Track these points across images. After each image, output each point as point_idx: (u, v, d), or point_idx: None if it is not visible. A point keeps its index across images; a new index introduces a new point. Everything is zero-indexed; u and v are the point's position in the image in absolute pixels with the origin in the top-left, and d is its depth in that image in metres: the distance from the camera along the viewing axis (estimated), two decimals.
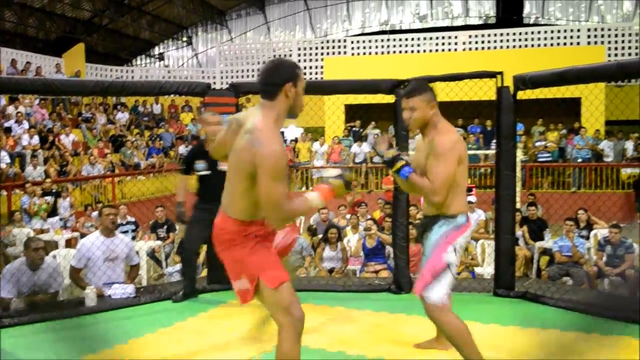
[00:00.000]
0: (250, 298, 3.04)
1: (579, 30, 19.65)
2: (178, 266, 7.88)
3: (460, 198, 3.51)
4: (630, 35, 19.21)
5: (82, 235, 9.51)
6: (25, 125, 14.12)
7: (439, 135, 3.45)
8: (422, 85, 3.55)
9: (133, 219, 9.25)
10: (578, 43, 19.11)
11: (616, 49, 19.07)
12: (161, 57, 27.58)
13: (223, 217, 3.03)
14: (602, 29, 19.65)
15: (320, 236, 8.39)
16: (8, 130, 13.58)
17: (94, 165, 13.66)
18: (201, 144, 5.65)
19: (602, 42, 19.02)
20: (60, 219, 11.09)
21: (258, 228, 2.99)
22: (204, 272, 6.78)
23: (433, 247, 3.45)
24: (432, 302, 3.39)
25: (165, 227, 9.18)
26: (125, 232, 8.46)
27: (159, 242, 8.72)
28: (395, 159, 3.46)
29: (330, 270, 7.58)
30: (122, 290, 5.53)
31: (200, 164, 5.50)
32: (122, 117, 18.33)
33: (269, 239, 3.10)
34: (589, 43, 19.07)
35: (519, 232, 8.19)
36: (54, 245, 9.11)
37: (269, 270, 2.98)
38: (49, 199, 11.25)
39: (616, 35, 19.22)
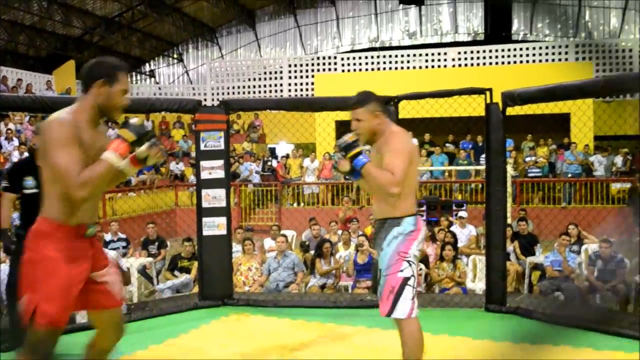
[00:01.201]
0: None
1: (566, 47, 19.84)
2: (169, 282, 7.85)
3: (410, 199, 3.48)
4: (617, 51, 19.43)
5: None
6: (15, 142, 14.08)
7: (392, 135, 3.46)
8: (366, 96, 3.52)
9: (124, 236, 9.21)
10: (566, 59, 19.29)
11: (604, 64, 19.26)
12: (152, 74, 27.59)
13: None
14: (590, 45, 19.86)
15: (312, 252, 8.40)
16: None
17: None
18: (31, 157, 4.79)
19: (590, 58, 19.21)
20: None
21: (65, 235, 2.77)
22: (196, 289, 6.77)
23: (388, 265, 3.42)
24: (400, 317, 3.39)
25: (157, 243, 9.15)
26: (116, 248, 8.42)
27: (150, 259, 8.68)
28: (354, 144, 3.35)
29: (322, 287, 7.57)
30: None
31: (28, 181, 4.65)
32: (113, 133, 18.23)
33: (81, 257, 2.83)
34: (577, 59, 19.26)
35: (510, 248, 8.21)
36: None
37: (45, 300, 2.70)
38: None
39: (603, 51, 19.43)
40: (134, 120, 2.90)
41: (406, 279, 3.38)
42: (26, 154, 13.64)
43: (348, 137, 3.37)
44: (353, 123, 3.49)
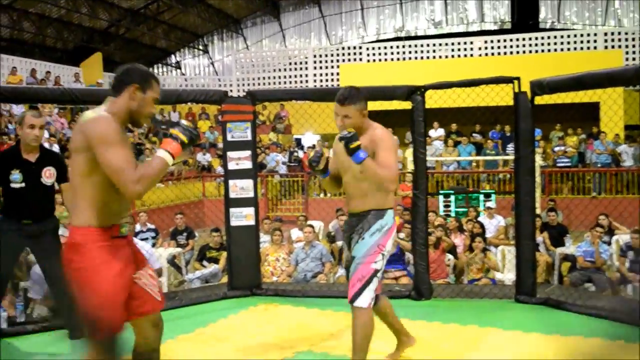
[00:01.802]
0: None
1: (595, 35, 19.50)
2: (198, 273, 7.91)
3: (392, 194, 3.67)
4: None
5: None
6: (46, 134, 14.26)
7: (379, 130, 3.56)
8: (357, 93, 3.52)
9: (153, 226, 9.29)
10: (595, 47, 18.98)
11: (634, 52, 18.90)
12: (178, 65, 27.77)
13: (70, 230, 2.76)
14: (619, 33, 19.49)
15: (339, 242, 8.39)
16: None
17: None
18: (17, 148, 4.58)
19: (620, 47, 18.87)
20: None
21: (103, 238, 2.75)
22: (224, 279, 6.81)
23: (365, 254, 3.52)
24: (361, 306, 3.46)
25: (185, 234, 9.23)
26: (146, 239, 8.51)
27: (179, 249, 8.75)
28: (355, 137, 3.35)
29: None
30: None
31: (15, 175, 4.48)
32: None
33: (123, 256, 2.83)
34: (605, 47, 18.94)
35: (539, 238, 8.13)
36: None
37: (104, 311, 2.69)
38: None
39: (633, 39, 19.03)
40: (184, 121, 2.91)
41: (376, 271, 3.51)
42: (12, 144, 13.82)
43: (347, 131, 3.39)
44: (338, 119, 3.52)
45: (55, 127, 15.43)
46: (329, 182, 3.90)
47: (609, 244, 8.10)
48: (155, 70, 27.57)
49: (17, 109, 14.66)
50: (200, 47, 27.49)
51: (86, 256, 2.70)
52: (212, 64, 27.33)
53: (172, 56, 27.76)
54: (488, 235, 8.73)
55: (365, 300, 3.46)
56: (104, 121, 2.70)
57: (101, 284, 2.67)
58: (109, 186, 2.71)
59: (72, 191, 2.86)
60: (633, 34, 19.20)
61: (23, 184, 4.44)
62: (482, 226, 8.40)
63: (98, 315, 2.66)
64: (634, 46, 18.96)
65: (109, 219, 2.79)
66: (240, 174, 5.97)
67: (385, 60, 20.33)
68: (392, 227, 3.60)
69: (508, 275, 7.42)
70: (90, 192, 2.74)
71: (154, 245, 8.53)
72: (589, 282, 7.29)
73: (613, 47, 18.93)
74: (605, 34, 19.49)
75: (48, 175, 4.52)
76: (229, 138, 6.00)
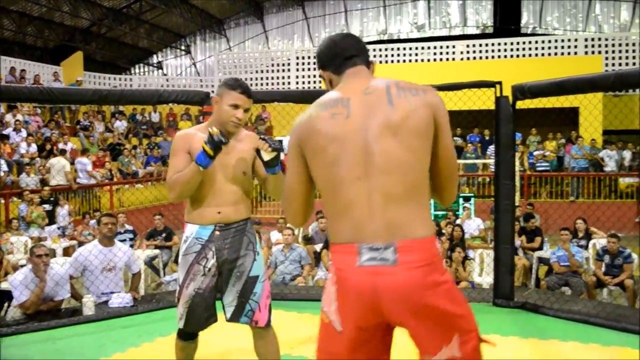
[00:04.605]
0: None
1: (576, 40, 19.69)
2: (176, 275, 7.84)
3: None
4: (627, 45, 19.27)
5: (80, 244, 9.48)
6: (24, 133, 14.11)
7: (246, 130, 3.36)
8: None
9: (131, 228, 9.22)
10: (575, 53, 19.16)
11: (613, 58, 19.11)
12: (159, 65, 27.61)
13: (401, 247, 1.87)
14: (600, 39, 19.70)
15: (318, 245, 8.40)
16: (6, 137, 13.56)
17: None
18: None
19: (600, 52, 19.07)
20: (58, 227, 11.07)
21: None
22: None
23: (264, 271, 3.31)
24: (270, 324, 3.33)
25: (164, 234, 9.16)
26: (123, 240, 8.43)
27: (157, 251, 8.69)
28: (282, 148, 3.19)
29: None
30: (119, 299, 5.50)
31: None
32: (120, 125, 18.33)
33: None
34: (586, 53, 19.13)
35: (517, 242, 8.19)
36: (51, 253, 9.07)
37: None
38: (47, 207, 11.24)
39: (613, 45, 19.26)
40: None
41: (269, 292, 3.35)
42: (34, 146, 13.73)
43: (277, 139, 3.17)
44: (243, 112, 3.17)
45: (33, 127, 15.27)
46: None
47: (586, 247, 8.18)
48: (137, 71, 27.41)
49: None
50: (183, 48, 27.37)
51: None
52: (195, 64, 27.22)
53: (154, 56, 27.60)
54: (466, 236, 8.76)
55: (271, 316, 3.33)
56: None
57: None
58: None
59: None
60: (613, 39, 19.43)
61: None
62: (462, 230, 8.44)
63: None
64: (613, 52, 19.18)
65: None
66: None
67: None
68: None
69: (486, 279, 7.46)
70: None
71: (131, 246, 8.46)
72: (565, 285, 7.35)
73: (593, 52, 19.12)
74: (586, 40, 19.69)
75: None
76: None
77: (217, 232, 3.18)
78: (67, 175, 12.84)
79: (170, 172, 3.13)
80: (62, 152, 13.50)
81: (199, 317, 3.28)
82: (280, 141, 3.11)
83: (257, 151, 3.08)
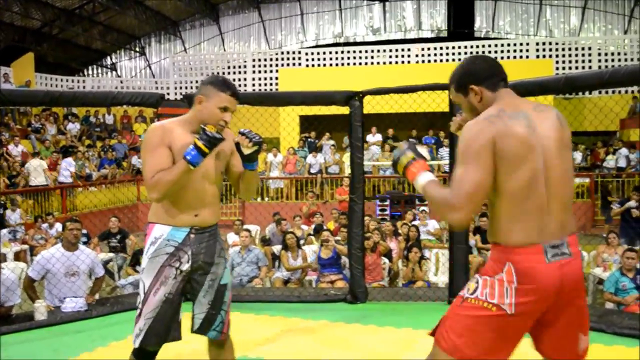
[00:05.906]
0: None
1: (527, 44, 20.14)
2: (131, 278, 7.76)
3: None
4: (577, 49, 19.81)
5: (32, 248, 9.28)
6: None
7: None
8: None
9: (85, 231, 9.07)
10: (527, 56, 19.59)
11: (563, 62, 19.61)
12: (113, 67, 27.20)
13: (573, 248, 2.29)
14: (550, 43, 20.22)
15: (275, 247, 8.40)
16: None
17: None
18: None
19: (550, 56, 19.54)
20: (9, 232, 10.82)
21: None
22: None
23: (229, 287, 3.17)
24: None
25: (119, 236, 9.04)
26: None
27: (111, 254, 8.57)
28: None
29: (286, 282, 7.57)
30: (73, 303, 5.40)
31: None
32: (73, 127, 18.02)
33: None
34: (537, 56, 19.59)
35: (472, 241, 8.31)
36: (2, 258, 8.87)
37: None
38: None
39: (563, 49, 19.78)
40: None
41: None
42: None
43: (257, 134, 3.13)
44: (229, 115, 3.09)
45: None
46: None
47: None
48: (90, 72, 26.97)
49: None
50: (137, 49, 27.01)
51: None
52: (149, 66, 26.89)
53: (108, 58, 27.17)
54: (422, 237, 8.87)
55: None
56: None
57: None
58: None
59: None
60: (563, 44, 19.93)
61: None
62: (417, 230, 8.53)
63: None
64: (563, 55, 19.68)
65: None
66: None
67: (324, 65, 20.44)
68: None
69: (442, 278, 7.56)
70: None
71: None
72: None
73: (544, 56, 19.59)
74: (537, 44, 20.17)
75: None
76: None
77: (192, 236, 2.96)
78: (45, 172, 12.79)
79: (149, 169, 2.81)
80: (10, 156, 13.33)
81: (165, 327, 3.00)
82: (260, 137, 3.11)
83: (237, 145, 3.04)
